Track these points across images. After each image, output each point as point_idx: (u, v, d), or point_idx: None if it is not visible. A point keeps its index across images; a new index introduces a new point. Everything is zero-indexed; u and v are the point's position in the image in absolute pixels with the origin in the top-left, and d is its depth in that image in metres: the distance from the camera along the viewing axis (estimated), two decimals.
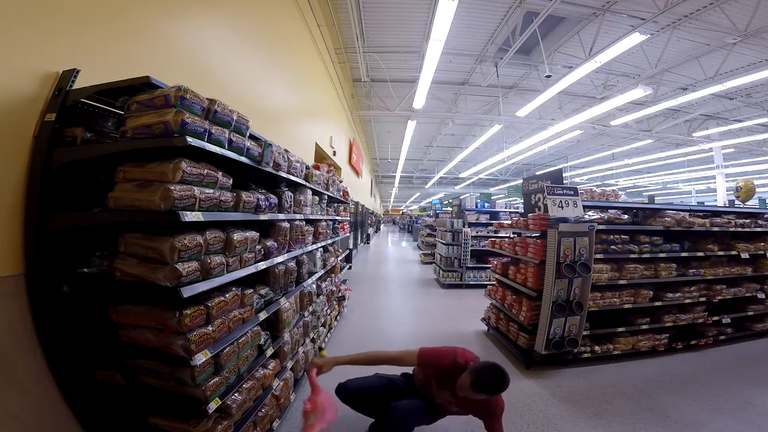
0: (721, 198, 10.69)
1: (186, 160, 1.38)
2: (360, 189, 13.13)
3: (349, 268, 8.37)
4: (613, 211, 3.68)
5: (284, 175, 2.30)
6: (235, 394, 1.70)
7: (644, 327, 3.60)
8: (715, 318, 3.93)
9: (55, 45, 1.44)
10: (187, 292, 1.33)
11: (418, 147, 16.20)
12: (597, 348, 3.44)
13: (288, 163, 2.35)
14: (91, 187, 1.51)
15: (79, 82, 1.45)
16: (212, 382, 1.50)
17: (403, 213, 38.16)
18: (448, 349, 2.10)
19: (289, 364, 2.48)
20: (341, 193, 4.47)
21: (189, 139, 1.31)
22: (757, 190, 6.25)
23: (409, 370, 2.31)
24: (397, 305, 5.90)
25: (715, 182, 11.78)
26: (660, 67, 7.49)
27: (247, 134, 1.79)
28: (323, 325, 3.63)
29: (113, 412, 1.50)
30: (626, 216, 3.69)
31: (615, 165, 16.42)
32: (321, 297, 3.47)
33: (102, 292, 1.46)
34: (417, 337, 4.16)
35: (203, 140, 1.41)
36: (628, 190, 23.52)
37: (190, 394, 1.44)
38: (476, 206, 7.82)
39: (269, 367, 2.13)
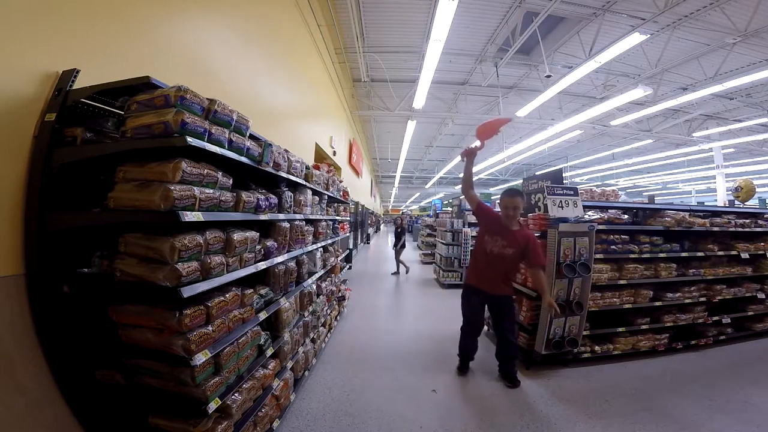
0: (721, 198, 10.70)
1: (186, 160, 1.38)
2: (360, 189, 13.13)
3: (349, 268, 8.37)
4: (613, 211, 3.68)
5: (284, 175, 2.30)
6: (235, 394, 1.70)
7: (644, 327, 3.60)
8: (715, 318, 3.93)
9: (55, 45, 1.44)
10: (187, 292, 1.33)
11: (418, 147, 16.20)
12: (597, 348, 3.44)
13: (288, 163, 2.35)
14: (91, 187, 1.51)
15: (79, 82, 1.45)
16: (212, 382, 1.50)
17: (403, 213, 38.18)
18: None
19: (289, 364, 2.48)
20: (341, 193, 4.47)
21: (189, 139, 1.31)
22: (757, 190, 6.25)
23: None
24: (397, 305, 5.90)
25: (715, 182, 11.78)
26: (660, 67, 7.49)
27: (247, 134, 1.79)
28: (323, 325, 3.63)
29: (113, 412, 1.50)
30: (626, 216, 3.69)
31: (615, 165, 16.43)
32: (321, 297, 3.47)
33: (102, 292, 1.46)
34: (417, 337, 4.16)
35: (203, 140, 1.41)
36: (628, 190, 23.52)
37: (190, 394, 1.44)
38: None
39: (269, 367, 2.13)
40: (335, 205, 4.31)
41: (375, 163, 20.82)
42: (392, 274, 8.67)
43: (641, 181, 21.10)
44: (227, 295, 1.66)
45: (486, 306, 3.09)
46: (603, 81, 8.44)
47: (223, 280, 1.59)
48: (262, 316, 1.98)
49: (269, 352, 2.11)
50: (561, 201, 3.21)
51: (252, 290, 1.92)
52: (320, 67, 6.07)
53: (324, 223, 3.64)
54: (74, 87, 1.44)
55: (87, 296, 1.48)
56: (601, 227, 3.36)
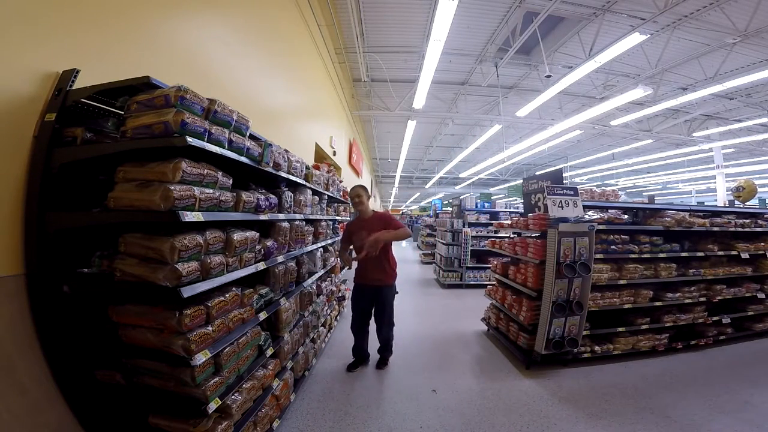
0: (721, 198, 10.68)
1: (186, 160, 1.38)
2: None
3: (349, 268, 8.35)
4: (613, 211, 3.68)
5: (284, 175, 2.31)
6: (235, 394, 1.70)
7: (644, 327, 3.60)
8: (715, 318, 3.93)
9: (55, 45, 1.44)
10: (187, 292, 1.33)
11: (418, 147, 16.18)
12: (597, 348, 3.44)
13: (288, 163, 2.35)
14: (91, 187, 1.51)
15: (79, 82, 1.45)
16: (212, 382, 1.50)
17: (403, 213, 38.19)
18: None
19: (289, 364, 2.48)
20: (341, 193, 4.47)
21: (189, 139, 1.31)
22: (758, 190, 6.24)
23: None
24: (397, 305, 5.86)
25: (715, 182, 11.77)
26: (660, 67, 7.48)
27: (247, 134, 1.79)
28: (323, 325, 3.63)
29: (113, 412, 1.50)
30: (626, 216, 3.69)
31: (615, 165, 16.40)
32: (321, 297, 3.47)
33: (102, 292, 1.46)
34: (417, 337, 4.16)
35: (203, 140, 1.41)
36: (628, 190, 23.50)
37: (190, 394, 1.44)
38: (476, 206, 7.82)
39: (269, 367, 2.13)
40: (335, 205, 4.32)
41: (375, 163, 20.79)
42: None
43: (641, 181, 21.07)
44: (227, 295, 1.66)
45: (372, 300, 3.29)
46: (603, 81, 8.43)
47: (223, 280, 1.59)
48: (262, 316, 1.98)
49: (269, 352, 2.11)
50: (561, 201, 3.21)
51: (252, 290, 1.92)
52: (320, 67, 6.07)
53: (324, 223, 3.64)
54: (74, 87, 1.44)
55: (87, 296, 1.48)
56: (601, 227, 3.36)
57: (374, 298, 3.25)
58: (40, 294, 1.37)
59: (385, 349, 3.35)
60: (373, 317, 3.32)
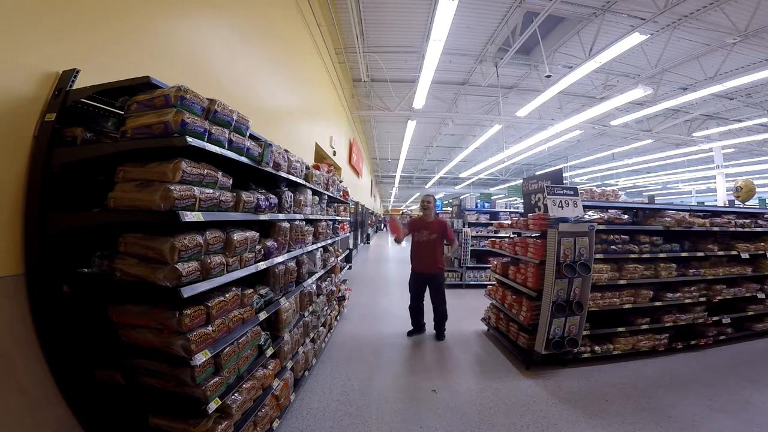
0: (721, 198, 10.68)
1: (186, 160, 1.38)
2: (360, 189, 13.13)
3: (349, 268, 8.35)
4: (613, 211, 3.68)
5: (284, 175, 2.31)
6: (235, 394, 1.70)
7: (644, 327, 3.60)
8: (715, 318, 3.93)
9: (55, 45, 1.44)
10: (187, 292, 1.33)
11: (418, 147, 16.20)
12: (597, 348, 3.44)
13: (288, 163, 2.35)
14: (91, 187, 1.51)
15: (79, 82, 1.45)
16: (212, 382, 1.50)
17: (403, 213, 38.20)
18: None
19: (289, 364, 2.48)
20: (341, 193, 4.47)
21: (189, 139, 1.31)
22: (757, 190, 6.25)
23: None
24: (397, 305, 5.88)
25: (715, 182, 11.77)
26: (660, 67, 7.49)
27: (247, 134, 1.79)
28: (323, 325, 3.63)
29: (113, 412, 1.50)
30: (626, 216, 3.69)
31: (615, 165, 16.43)
32: (321, 297, 3.47)
33: (102, 292, 1.46)
34: (417, 337, 4.16)
35: (203, 140, 1.41)
36: (628, 190, 23.52)
37: (190, 394, 1.44)
38: (476, 206, 7.82)
39: (269, 367, 2.13)
40: (335, 205, 4.31)
41: (375, 163, 20.82)
42: None
43: (641, 181, 21.09)
44: (227, 295, 1.66)
45: (426, 284, 4.16)
46: (603, 81, 8.44)
47: (223, 280, 1.58)
48: (262, 316, 1.98)
49: (269, 352, 2.11)
50: (561, 201, 3.21)
51: (252, 290, 1.92)
52: (320, 67, 6.07)
53: (324, 223, 3.64)
54: (74, 87, 1.44)
55: (87, 296, 1.48)
56: (601, 227, 3.36)
57: (428, 283, 4.11)
58: (40, 294, 1.36)
59: (441, 323, 4.10)
60: (429, 297, 4.13)
